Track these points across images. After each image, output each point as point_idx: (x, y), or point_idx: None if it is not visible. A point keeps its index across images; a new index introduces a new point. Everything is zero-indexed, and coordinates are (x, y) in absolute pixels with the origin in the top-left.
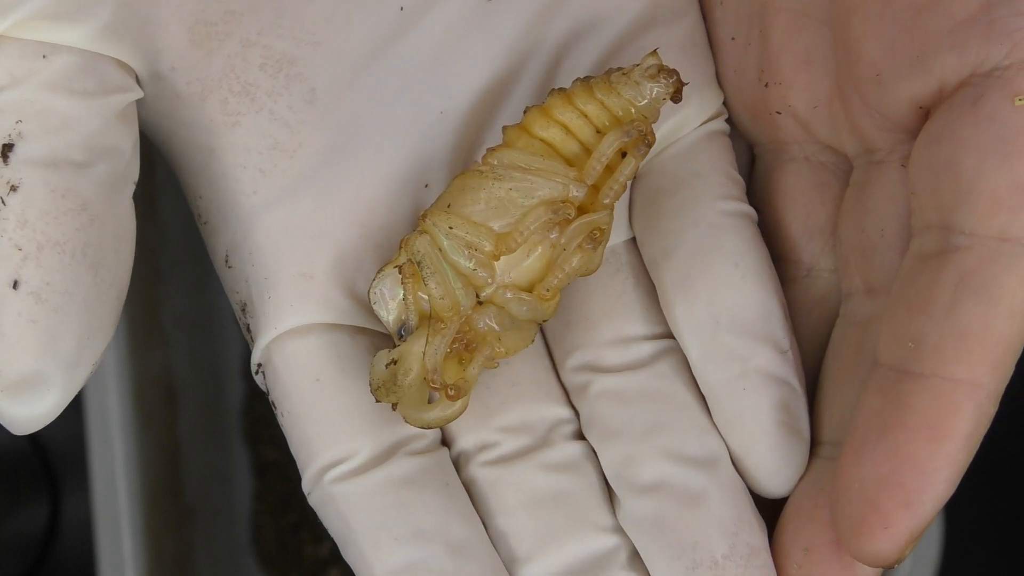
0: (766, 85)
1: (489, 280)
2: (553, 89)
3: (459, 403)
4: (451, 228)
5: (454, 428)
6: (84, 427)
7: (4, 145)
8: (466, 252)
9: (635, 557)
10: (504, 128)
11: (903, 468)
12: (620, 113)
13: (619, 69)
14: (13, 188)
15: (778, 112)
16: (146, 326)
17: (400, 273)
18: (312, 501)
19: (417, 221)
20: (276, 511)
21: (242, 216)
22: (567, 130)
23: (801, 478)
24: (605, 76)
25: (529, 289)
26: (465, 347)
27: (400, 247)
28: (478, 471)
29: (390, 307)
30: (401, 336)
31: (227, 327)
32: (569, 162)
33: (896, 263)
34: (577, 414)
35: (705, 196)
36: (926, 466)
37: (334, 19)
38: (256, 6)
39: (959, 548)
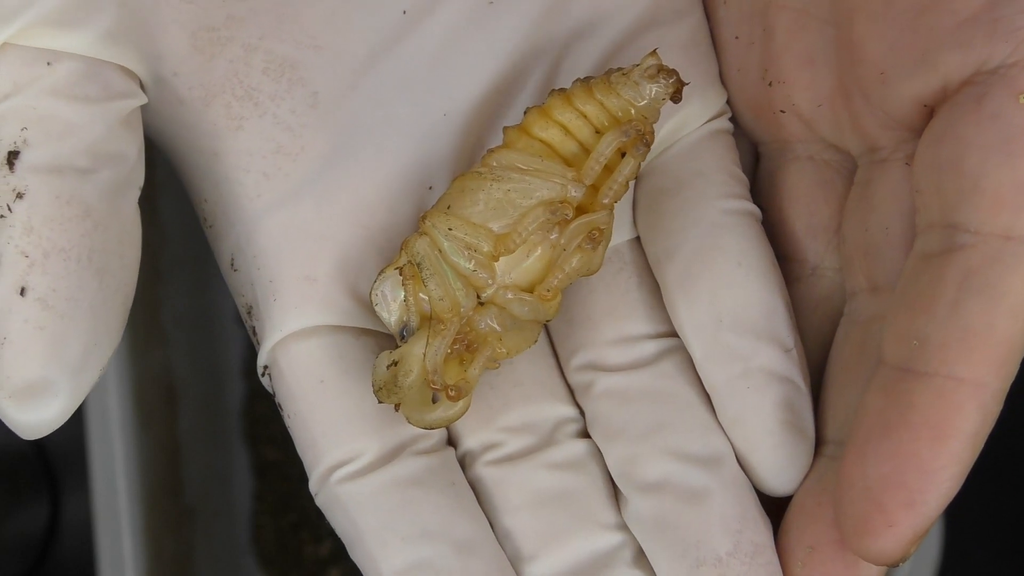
0: (770, 84)
1: (489, 281)
2: (553, 90)
3: (461, 404)
4: (450, 229)
5: (459, 428)
6: (84, 427)
7: (9, 152)
8: (466, 253)
9: (640, 555)
10: (504, 129)
11: (907, 467)
12: (619, 113)
13: (619, 69)
14: (19, 195)
15: (782, 111)
16: (146, 326)
17: (401, 275)
18: (319, 502)
19: (418, 223)
20: (276, 511)
21: (246, 220)
22: (566, 131)
23: (805, 477)
24: (605, 76)
25: (530, 290)
26: (466, 348)
27: (401, 249)
28: (483, 470)
29: (392, 308)
30: (403, 337)
31: (227, 327)
32: (568, 162)
33: (900, 262)
34: (582, 413)
35: (709, 195)
36: (930, 465)
37: (335, 22)
38: (257, 11)
39: (959, 548)
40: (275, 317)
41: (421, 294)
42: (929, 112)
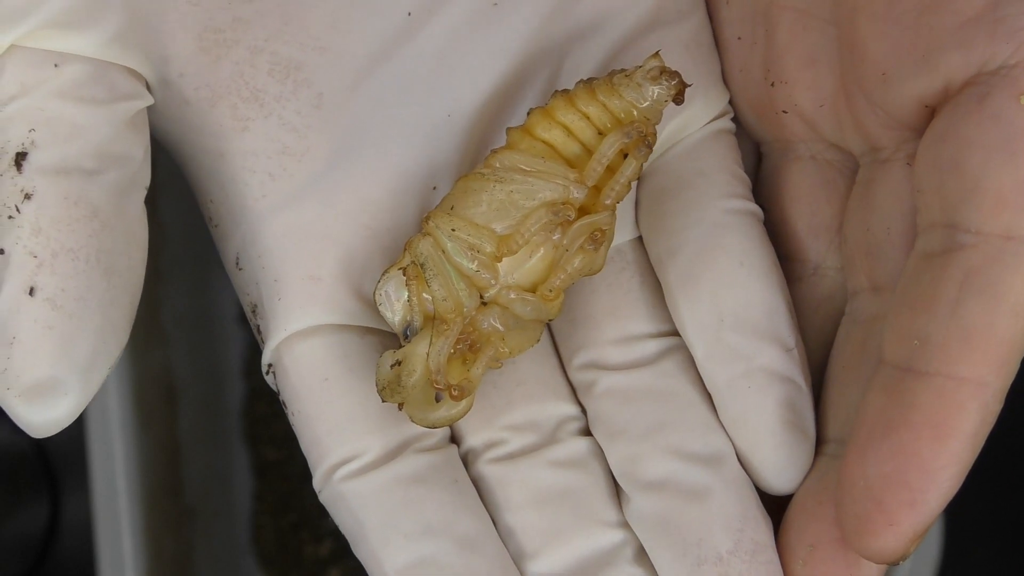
0: (772, 84)
1: (492, 281)
2: (556, 91)
3: (464, 403)
4: (454, 230)
5: (462, 426)
6: (84, 427)
7: (18, 154)
8: (469, 254)
9: (642, 553)
10: (507, 130)
11: (908, 466)
12: (622, 115)
13: (621, 71)
14: (27, 196)
15: (784, 111)
16: (146, 326)
17: (404, 275)
18: (323, 499)
19: (421, 224)
20: (276, 511)
21: (251, 219)
22: (569, 132)
23: (806, 476)
24: (607, 78)
25: (532, 290)
26: (469, 348)
27: (405, 249)
28: (486, 468)
29: (395, 308)
30: (406, 336)
31: (227, 327)
32: (571, 163)
33: (901, 261)
34: (584, 411)
35: (711, 195)
36: (931, 464)
37: (340, 24)
38: (263, 13)
39: (960, 547)
40: (280, 316)
41: (425, 294)
42: (930, 112)
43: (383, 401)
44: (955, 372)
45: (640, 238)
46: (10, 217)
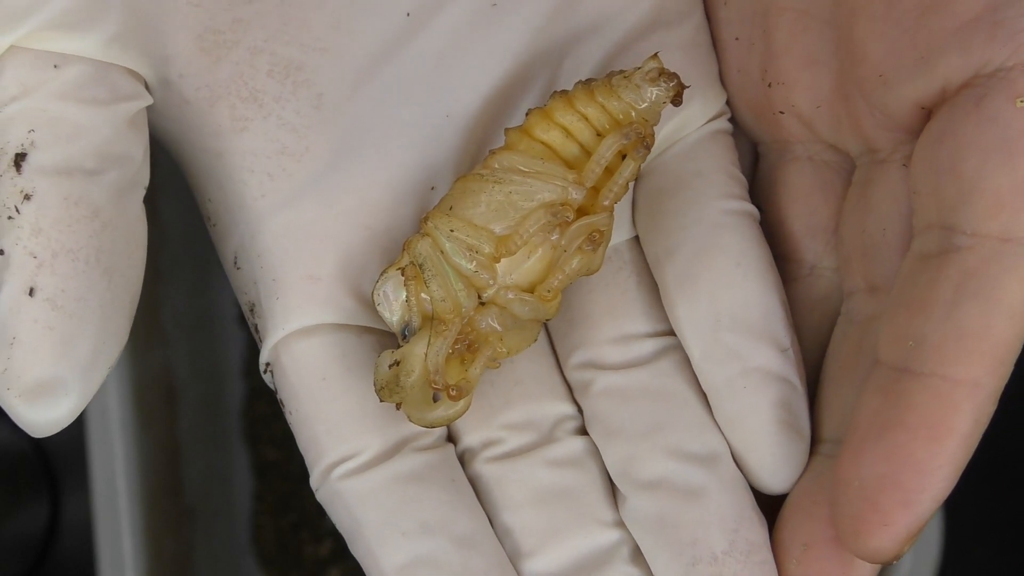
0: (769, 85)
1: (491, 281)
2: (555, 92)
3: (462, 402)
4: (452, 231)
5: (459, 425)
6: (84, 427)
7: (17, 155)
8: (467, 254)
9: (638, 552)
10: (506, 130)
11: (903, 467)
12: (620, 116)
13: (620, 72)
14: (27, 197)
15: (781, 112)
16: (146, 326)
17: (403, 275)
18: (320, 497)
19: (419, 224)
20: (276, 511)
21: (250, 219)
22: (567, 133)
23: (801, 475)
24: (606, 79)
25: (530, 290)
26: (467, 348)
27: (403, 249)
28: (483, 467)
29: (393, 308)
30: (404, 336)
31: (227, 327)
32: (570, 164)
33: (897, 262)
34: (580, 410)
35: (707, 195)
36: (925, 465)
37: (340, 25)
38: (263, 14)
39: (959, 546)
40: (278, 315)
41: (423, 294)
42: (927, 114)
43: (381, 401)
44: (950, 373)
45: (637, 237)
46: (10, 218)
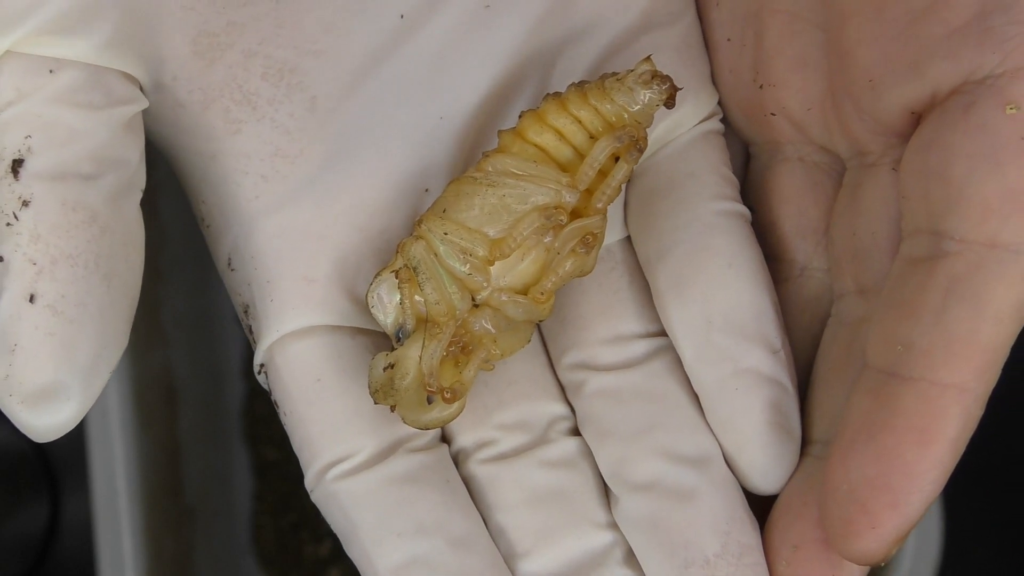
0: (761, 86)
1: (484, 284)
2: (548, 94)
3: (456, 404)
4: (446, 234)
5: (453, 426)
6: (84, 427)
7: (14, 161)
8: (461, 257)
9: (631, 554)
10: (499, 132)
11: (891, 470)
12: (613, 119)
13: (613, 74)
14: (25, 203)
15: (773, 113)
16: (146, 326)
17: (396, 278)
18: (315, 498)
19: (413, 227)
20: (276, 511)
21: (244, 220)
22: (561, 135)
23: (792, 476)
24: (599, 82)
25: (524, 292)
26: (461, 350)
27: (397, 251)
28: (477, 468)
29: (388, 311)
30: (399, 339)
31: (227, 327)
32: (563, 167)
33: (887, 265)
34: (574, 410)
35: (699, 196)
36: (914, 468)
37: (334, 28)
38: (258, 17)
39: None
40: (272, 317)
41: (417, 297)
42: (917, 119)
43: (376, 403)
44: (938, 378)
45: (628, 238)
46: (8, 224)
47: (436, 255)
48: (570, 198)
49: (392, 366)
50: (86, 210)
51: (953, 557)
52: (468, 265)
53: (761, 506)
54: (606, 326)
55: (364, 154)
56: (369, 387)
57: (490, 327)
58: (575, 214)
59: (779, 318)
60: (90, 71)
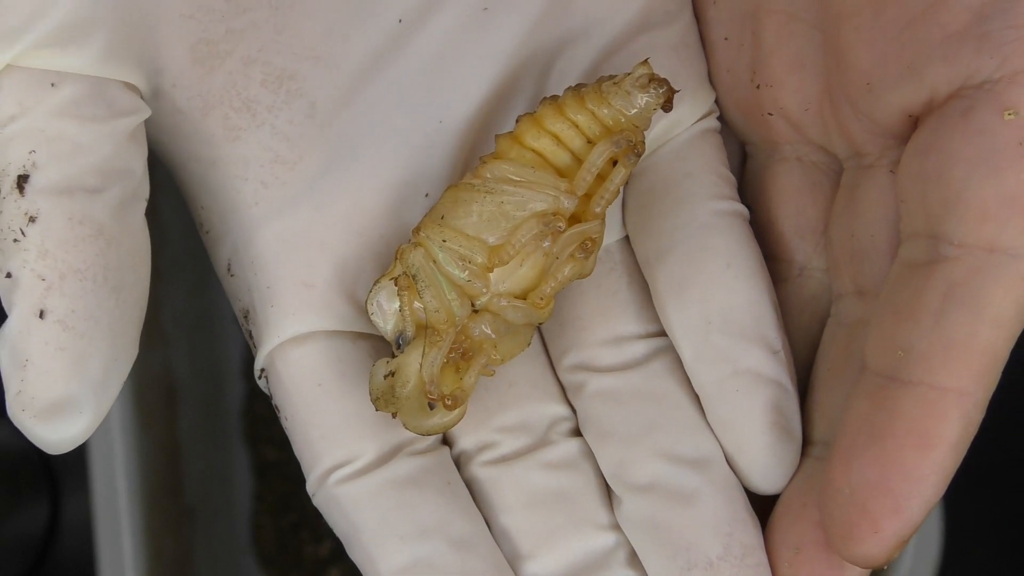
0: (758, 86)
1: (484, 290)
2: (545, 98)
3: (458, 410)
4: (444, 241)
5: (454, 429)
6: None
7: (20, 176)
8: (460, 264)
9: (635, 555)
10: (496, 137)
11: (892, 474)
12: (610, 123)
13: (610, 78)
14: (32, 219)
15: (770, 113)
16: (146, 326)
17: (396, 285)
18: (316, 502)
19: (411, 234)
20: (276, 511)
21: (243, 226)
22: (558, 140)
23: (792, 477)
24: (596, 85)
25: (523, 296)
26: (461, 356)
27: (395, 258)
28: (479, 471)
29: (387, 318)
30: (399, 346)
31: (227, 327)
32: (560, 172)
33: (885, 267)
34: (574, 410)
35: (697, 196)
36: (915, 473)
37: (333, 34)
38: (256, 24)
39: (959, 547)
40: (272, 322)
41: (416, 303)
42: (914, 121)
43: (377, 410)
44: (938, 382)
45: (627, 238)
46: (15, 240)
47: (435, 262)
48: (568, 204)
49: (393, 374)
50: (93, 224)
51: (953, 557)
52: (467, 272)
53: (762, 505)
54: (605, 327)
55: (363, 159)
56: (370, 395)
57: (490, 332)
58: (573, 218)
59: (778, 318)
60: (91, 83)
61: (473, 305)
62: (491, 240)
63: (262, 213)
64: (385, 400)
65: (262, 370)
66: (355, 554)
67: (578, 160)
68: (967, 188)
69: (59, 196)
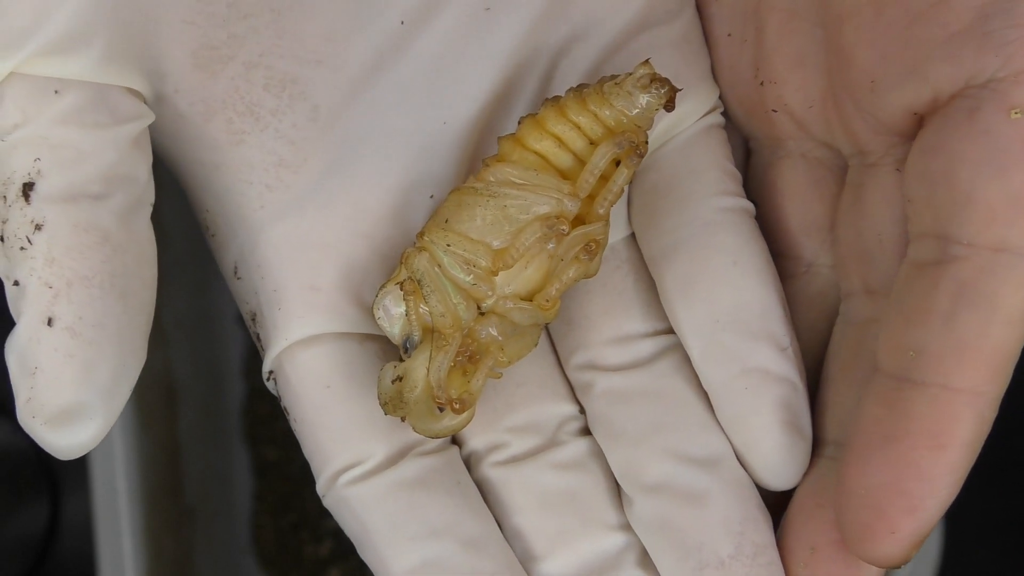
0: (761, 83)
1: (489, 293)
2: (547, 99)
3: (466, 413)
4: (449, 245)
5: (464, 430)
6: None
7: (25, 184)
8: (465, 268)
9: (646, 555)
10: (499, 139)
11: (907, 475)
12: (612, 124)
13: (612, 78)
14: (38, 227)
15: (774, 110)
16: None
17: (401, 289)
18: (327, 504)
19: (416, 238)
20: (276, 511)
21: (249, 230)
22: (560, 142)
23: (804, 477)
24: (597, 86)
25: (529, 298)
26: (469, 359)
27: (401, 262)
28: (489, 471)
29: (394, 322)
30: (406, 350)
31: (227, 327)
32: (563, 174)
33: (894, 266)
34: (582, 409)
35: (703, 192)
36: (929, 473)
37: (335, 37)
38: (258, 28)
39: (960, 548)
40: (280, 325)
41: (422, 307)
42: (919, 120)
43: (386, 414)
44: (950, 383)
45: (633, 235)
46: (22, 248)
47: (440, 266)
48: (571, 207)
49: (400, 378)
50: (98, 230)
51: (953, 558)
52: (472, 275)
53: (775, 502)
54: (612, 326)
55: (367, 161)
56: (379, 399)
57: (496, 334)
58: (578, 219)
59: (786, 315)
60: (94, 90)
61: (479, 308)
62: (495, 243)
63: (267, 216)
64: (394, 405)
65: (271, 372)
66: (366, 555)
67: (581, 161)
68: (974, 188)
69: (64, 203)
